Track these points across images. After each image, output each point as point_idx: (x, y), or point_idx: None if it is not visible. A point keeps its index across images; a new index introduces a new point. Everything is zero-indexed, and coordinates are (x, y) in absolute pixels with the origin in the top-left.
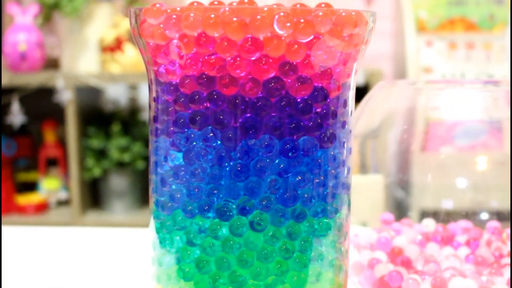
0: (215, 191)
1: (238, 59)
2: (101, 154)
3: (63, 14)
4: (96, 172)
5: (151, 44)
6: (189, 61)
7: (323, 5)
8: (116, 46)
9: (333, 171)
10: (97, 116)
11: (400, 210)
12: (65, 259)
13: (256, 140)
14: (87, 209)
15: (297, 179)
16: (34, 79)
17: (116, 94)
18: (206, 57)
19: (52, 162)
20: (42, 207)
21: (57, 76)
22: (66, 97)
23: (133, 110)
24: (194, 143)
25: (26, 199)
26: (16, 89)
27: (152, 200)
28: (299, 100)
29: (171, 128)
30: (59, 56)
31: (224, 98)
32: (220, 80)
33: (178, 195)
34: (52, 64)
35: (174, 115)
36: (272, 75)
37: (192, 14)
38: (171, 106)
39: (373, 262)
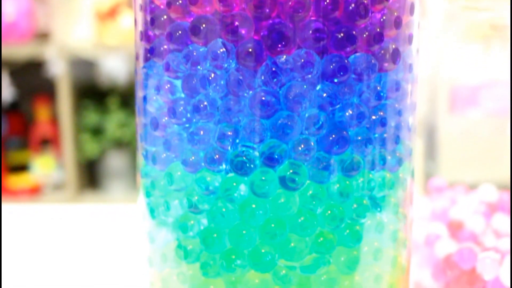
0: (229, 133)
1: None
2: (97, 131)
3: None
4: (93, 151)
5: None
6: None
7: None
8: (113, 14)
9: (396, 105)
10: (92, 90)
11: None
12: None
13: (287, 56)
14: (84, 191)
15: (347, 114)
16: (24, 51)
17: (113, 66)
18: None
19: (45, 141)
20: (35, 190)
21: (49, 47)
22: (58, 70)
23: (132, 82)
24: (198, 65)
25: (18, 182)
26: (4, 62)
27: (140, 152)
28: None
29: (165, 46)
30: (51, 26)
31: None
32: None
33: (176, 141)
34: (43, 34)
35: (168, 25)
36: None
37: None
38: (164, 14)
39: (431, 239)
